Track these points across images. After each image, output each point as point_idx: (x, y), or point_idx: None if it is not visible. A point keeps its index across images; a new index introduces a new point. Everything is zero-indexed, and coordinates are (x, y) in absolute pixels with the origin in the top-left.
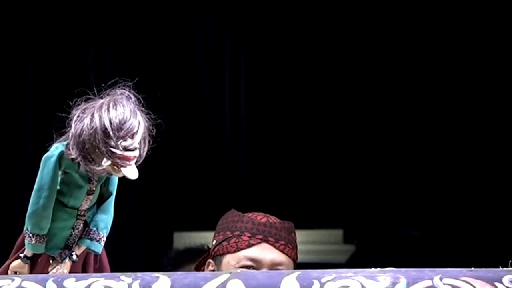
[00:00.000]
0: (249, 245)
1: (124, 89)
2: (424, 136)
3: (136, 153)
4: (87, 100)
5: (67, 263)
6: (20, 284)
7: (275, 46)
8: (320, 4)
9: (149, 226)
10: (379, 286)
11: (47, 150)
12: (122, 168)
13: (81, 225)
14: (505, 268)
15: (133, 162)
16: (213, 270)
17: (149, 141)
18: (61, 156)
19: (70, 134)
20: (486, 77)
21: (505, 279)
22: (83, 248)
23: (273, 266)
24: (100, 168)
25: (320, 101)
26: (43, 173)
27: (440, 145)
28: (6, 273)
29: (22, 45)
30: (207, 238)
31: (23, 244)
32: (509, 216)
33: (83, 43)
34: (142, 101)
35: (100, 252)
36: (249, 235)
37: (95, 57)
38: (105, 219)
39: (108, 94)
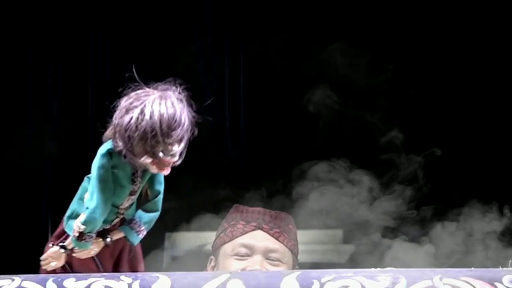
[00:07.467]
0: (244, 232)
1: (171, 85)
2: (422, 136)
3: (176, 157)
4: (133, 90)
5: (100, 242)
6: (20, 284)
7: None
8: (320, 4)
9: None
10: (379, 286)
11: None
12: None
13: (119, 221)
14: (505, 268)
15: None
16: (214, 266)
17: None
18: (111, 152)
19: (117, 124)
20: (485, 77)
21: (505, 279)
22: (120, 234)
23: (267, 253)
24: (138, 161)
25: (319, 102)
26: (100, 172)
27: (438, 145)
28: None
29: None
30: (200, 238)
31: (63, 233)
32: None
33: (83, 44)
34: (190, 101)
35: (135, 244)
36: (244, 223)
37: (94, 57)
38: (150, 216)
39: (156, 88)
